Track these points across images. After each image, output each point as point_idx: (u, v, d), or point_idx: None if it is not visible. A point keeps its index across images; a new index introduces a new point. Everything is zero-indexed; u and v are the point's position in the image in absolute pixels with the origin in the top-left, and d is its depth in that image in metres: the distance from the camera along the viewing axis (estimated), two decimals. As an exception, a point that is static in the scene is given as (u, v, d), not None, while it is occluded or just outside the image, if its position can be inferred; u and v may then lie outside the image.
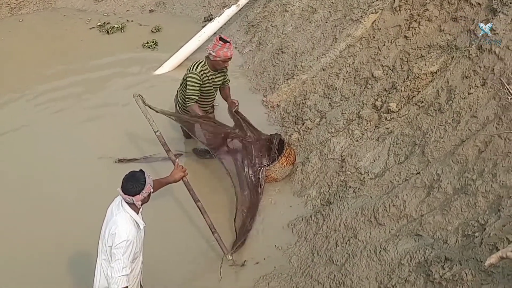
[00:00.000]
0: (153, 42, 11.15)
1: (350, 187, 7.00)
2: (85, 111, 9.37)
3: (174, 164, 6.46)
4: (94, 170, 8.07)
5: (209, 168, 8.12)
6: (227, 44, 7.43)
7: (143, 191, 5.14)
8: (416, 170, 6.59)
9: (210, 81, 7.69)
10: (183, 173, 6.20)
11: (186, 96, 7.61)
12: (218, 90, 8.00)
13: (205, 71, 7.59)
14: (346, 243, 6.37)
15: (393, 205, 6.33)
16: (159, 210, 6.99)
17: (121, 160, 8.13)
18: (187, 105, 7.66)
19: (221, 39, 7.44)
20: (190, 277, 6.68)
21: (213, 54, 7.41)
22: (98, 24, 11.89)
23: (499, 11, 6.86)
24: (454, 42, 7.33)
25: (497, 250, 4.98)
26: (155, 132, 6.85)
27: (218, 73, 7.75)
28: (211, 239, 6.81)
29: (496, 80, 6.48)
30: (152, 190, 5.27)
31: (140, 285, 5.68)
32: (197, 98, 7.62)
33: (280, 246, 6.82)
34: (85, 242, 6.34)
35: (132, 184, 5.12)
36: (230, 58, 7.56)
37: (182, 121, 7.86)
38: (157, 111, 7.21)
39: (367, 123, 7.55)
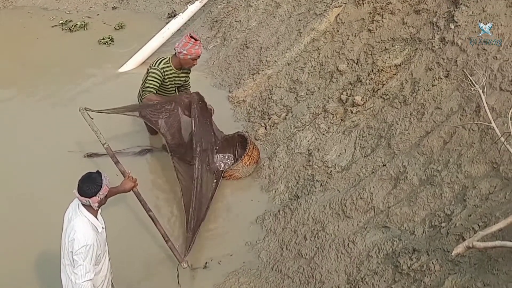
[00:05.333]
0: (109, 38, 11.05)
1: (317, 180, 7.00)
2: (49, 108, 9.21)
3: (123, 175, 6.33)
4: (63, 165, 7.85)
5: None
6: (198, 41, 7.44)
7: (100, 193, 4.99)
8: (383, 163, 6.63)
9: (172, 79, 7.65)
10: (133, 183, 6.00)
11: (144, 89, 7.53)
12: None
13: (167, 69, 7.54)
14: (315, 236, 6.38)
15: (360, 198, 6.36)
16: (116, 217, 6.75)
17: (90, 155, 7.98)
18: (143, 97, 7.54)
19: (191, 36, 7.42)
20: (152, 284, 6.55)
21: (184, 52, 7.38)
22: (60, 22, 11.72)
23: (461, 3, 6.93)
24: (417, 34, 7.39)
25: (464, 240, 5.04)
26: (103, 145, 6.76)
27: (181, 72, 7.71)
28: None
29: (459, 71, 6.55)
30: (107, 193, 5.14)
31: (111, 283, 5.61)
32: (154, 91, 7.51)
33: (249, 241, 6.80)
34: (52, 242, 6.15)
35: (88, 186, 4.97)
36: (199, 56, 7.55)
37: (138, 112, 7.73)
38: (108, 112, 7.16)
39: (333, 117, 7.57)
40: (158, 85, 7.52)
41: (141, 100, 7.79)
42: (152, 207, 6.62)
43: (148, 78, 7.50)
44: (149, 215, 6.51)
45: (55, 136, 8.44)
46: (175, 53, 7.51)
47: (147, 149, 8.18)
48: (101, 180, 5.04)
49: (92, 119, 6.92)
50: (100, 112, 7.03)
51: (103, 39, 11.04)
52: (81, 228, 4.99)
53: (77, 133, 8.19)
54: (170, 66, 7.56)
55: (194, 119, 7.23)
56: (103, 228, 5.26)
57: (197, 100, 7.36)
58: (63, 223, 5.19)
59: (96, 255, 5.06)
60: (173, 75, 7.62)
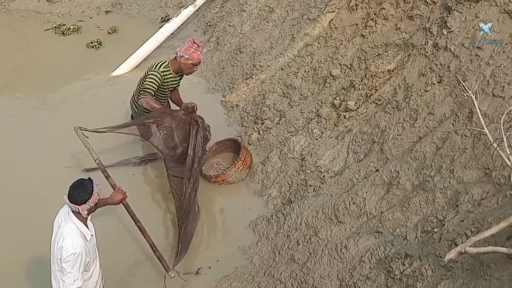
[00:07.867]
0: (97, 42, 11.07)
1: (310, 185, 7.00)
2: (45, 116, 9.15)
3: (113, 188, 6.26)
4: (56, 170, 7.80)
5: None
6: (200, 47, 7.47)
7: (90, 201, 4.96)
8: (375, 168, 6.63)
9: (169, 83, 7.64)
10: (123, 195, 5.95)
11: (142, 89, 7.49)
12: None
13: (166, 73, 7.53)
14: (307, 241, 6.38)
15: (353, 203, 6.36)
16: (107, 225, 6.72)
17: (88, 170, 7.81)
18: (140, 97, 7.51)
19: (194, 42, 7.45)
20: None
21: (186, 56, 7.37)
22: (54, 26, 11.70)
23: (454, 9, 6.95)
24: (410, 40, 7.40)
25: (456, 245, 5.04)
26: (94, 160, 6.78)
27: (178, 76, 7.70)
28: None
29: (452, 77, 6.56)
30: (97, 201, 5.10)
31: None
32: (152, 93, 7.49)
33: (242, 246, 6.78)
34: (43, 249, 6.12)
35: (79, 193, 4.93)
36: (200, 62, 7.59)
37: (132, 128, 7.71)
38: (104, 132, 7.19)
39: (326, 122, 7.57)
40: (156, 87, 7.50)
41: (135, 104, 7.78)
42: (142, 217, 6.54)
43: (147, 79, 7.47)
44: (138, 226, 6.47)
45: (48, 143, 8.39)
46: (176, 57, 7.49)
47: (146, 159, 8.14)
48: (92, 187, 5.00)
49: (87, 137, 6.92)
50: (95, 132, 7.05)
51: (91, 42, 11.05)
52: (70, 236, 4.95)
53: (70, 139, 8.14)
54: (169, 70, 7.55)
55: (193, 144, 7.37)
56: (92, 235, 5.22)
57: (201, 124, 7.51)
58: (53, 229, 5.17)
59: (85, 262, 5.03)
60: (171, 79, 7.62)
